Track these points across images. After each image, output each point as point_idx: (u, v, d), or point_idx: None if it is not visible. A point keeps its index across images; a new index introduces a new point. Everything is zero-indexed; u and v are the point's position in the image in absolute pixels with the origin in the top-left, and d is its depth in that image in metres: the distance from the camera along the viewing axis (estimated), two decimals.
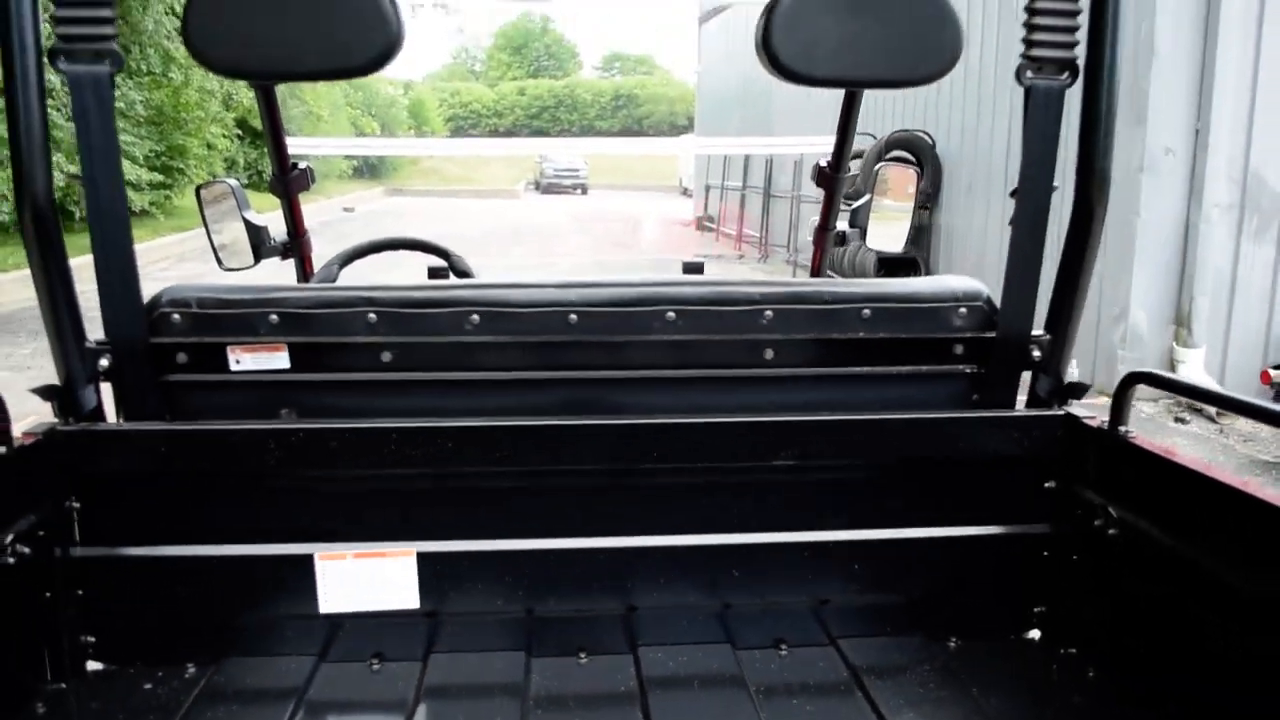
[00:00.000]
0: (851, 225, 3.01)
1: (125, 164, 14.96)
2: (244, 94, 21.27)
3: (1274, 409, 1.63)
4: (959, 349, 2.13)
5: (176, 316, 1.99)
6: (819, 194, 3.05)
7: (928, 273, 11.84)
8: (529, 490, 2.00)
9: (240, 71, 2.01)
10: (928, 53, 1.91)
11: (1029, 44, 1.96)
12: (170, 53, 18.73)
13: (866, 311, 2.08)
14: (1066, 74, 1.98)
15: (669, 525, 2.00)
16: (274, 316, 2.00)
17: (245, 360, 2.00)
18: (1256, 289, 8.33)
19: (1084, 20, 1.96)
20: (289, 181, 2.84)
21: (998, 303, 2.13)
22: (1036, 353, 2.13)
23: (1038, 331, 2.14)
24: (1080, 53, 1.97)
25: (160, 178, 18.96)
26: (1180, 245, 8.19)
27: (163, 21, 17.89)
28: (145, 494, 1.94)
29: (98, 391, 1.98)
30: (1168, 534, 1.77)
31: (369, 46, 1.76)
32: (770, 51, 1.84)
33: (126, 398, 2.01)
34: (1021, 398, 2.20)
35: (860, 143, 12.62)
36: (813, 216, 3.21)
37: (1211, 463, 6.10)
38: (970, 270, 11.03)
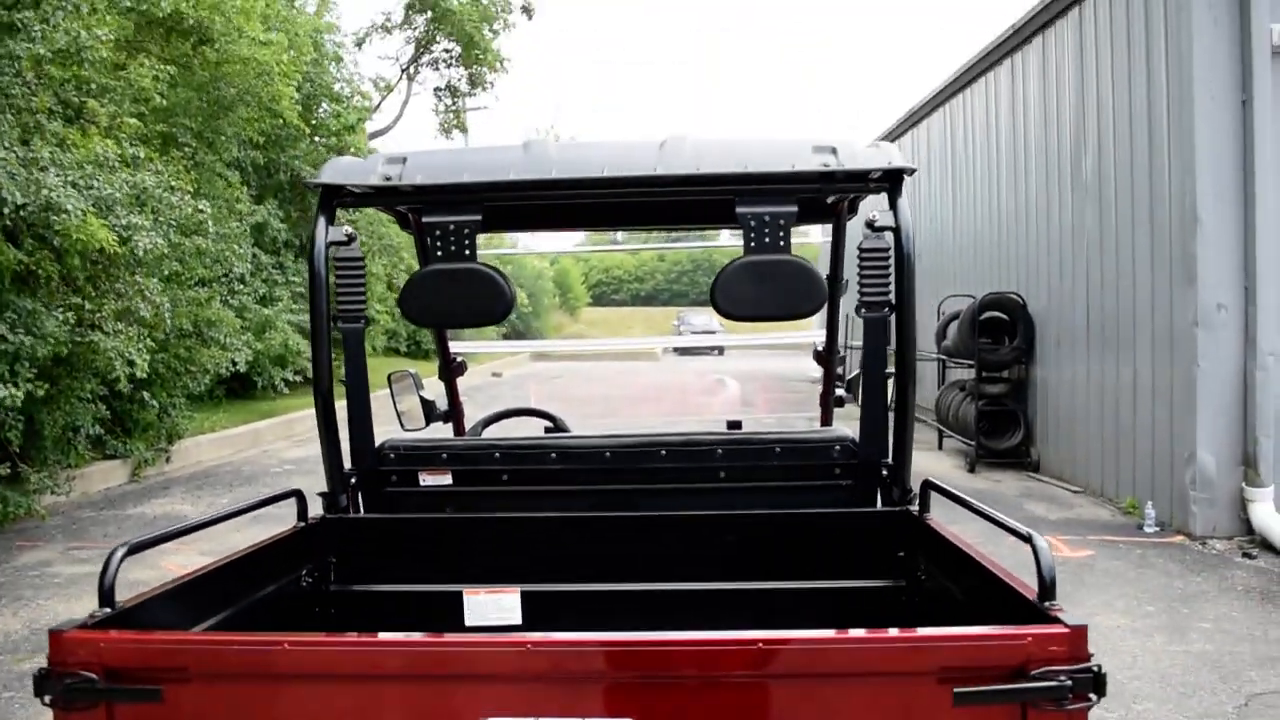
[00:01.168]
0: (847, 391, 4.19)
1: (302, 338, 17.04)
2: (401, 277, 24.02)
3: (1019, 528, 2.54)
4: (837, 470, 3.27)
5: (391, 454, 3.40)
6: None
7: (1027, 423, 12.49)
8: (582, 552, 3.20)
9: (427, 323, 3.47)
10: (804, 301, 3.07)
11: (862, 293, 3.08)
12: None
13: (779, 449, 3.28)
14: (885, 309, 3.08)
15: (659, 574, 3.13)
16: (444, 455, 3.44)
17: (427, 480, 3.39)
18: None
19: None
20: (450, 370, 4.44)
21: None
22: (884, 472, 3.20)
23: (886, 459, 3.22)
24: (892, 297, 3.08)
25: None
26: (1240, 392, 8.81)
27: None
28: (372, 555, 3.23)
29: (349, 498, 3.37)
30: (948, 578, 2.78)
31: (497, 307, 3.09)
32: (714, 300, 3.07)
33: (364, 501, 3.45)
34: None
35: (957, 303, 13.60)
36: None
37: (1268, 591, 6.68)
38: (1065, 412, 11.61)
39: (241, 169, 17.21)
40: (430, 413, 4.20)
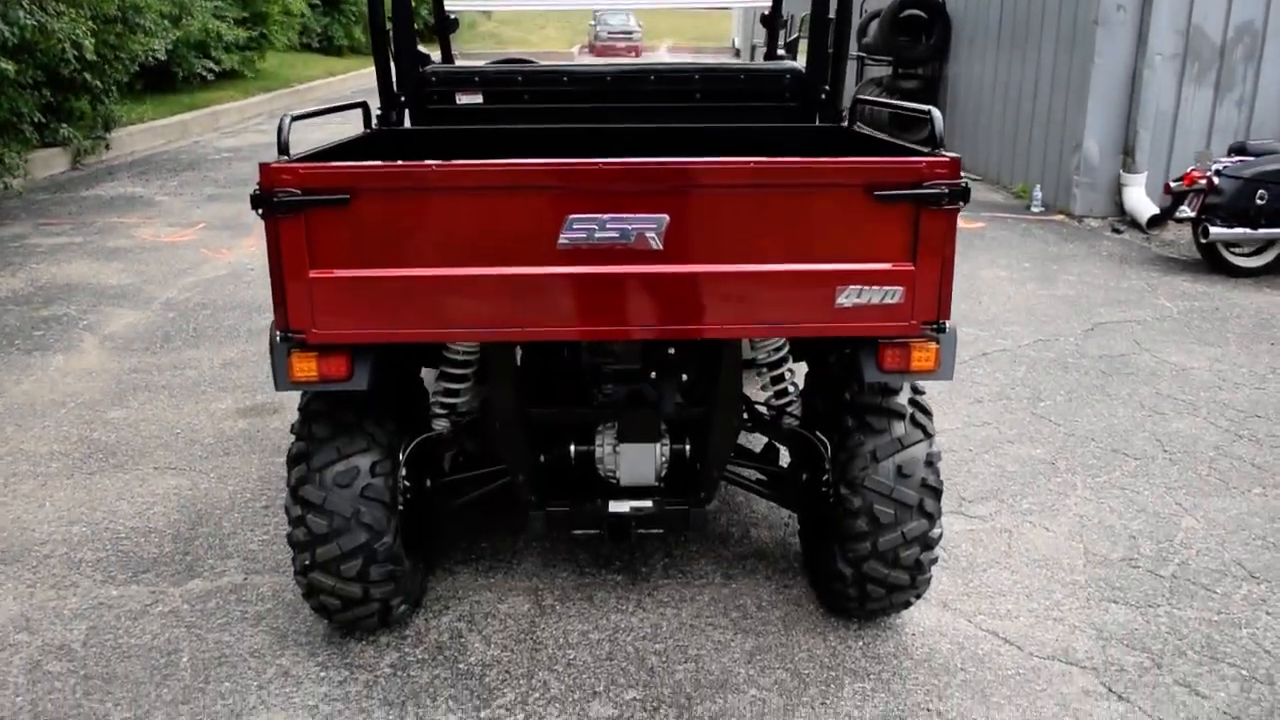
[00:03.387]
0: (787, 52, 5.00)
1: (220, 24, 16.73)
2: None
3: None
4: (787, 95, 4.15)
5: (433, 78, 4.13)
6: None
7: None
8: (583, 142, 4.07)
9: None
10: None
11: None
12: None
13: (742, 76, 4.12)
14: None
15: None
16: (476, 78, 4.11)
17: (463, 99, 4.11)
18: (1195, 126, 9.91)
19: None
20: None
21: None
22: (823, 96, 4.10)
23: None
24: None
25: (247, 35, 20.76)
26: (1128, 88, 9.76)
27: None
28: (417, 149, 4.02)
29: (400, 115, 4.17)
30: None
31: None
32: None
33: (412, 117, 4.28)
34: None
35: (878, 2, 14.03)
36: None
37: (1126, 256, 7.88)
38: (972, 107, 12.47)
39: None
40: None
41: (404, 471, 3.31)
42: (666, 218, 2.66)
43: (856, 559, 3.14)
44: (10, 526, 4.16)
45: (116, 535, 4.08)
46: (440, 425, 3.45)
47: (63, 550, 3.97)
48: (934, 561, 3.19)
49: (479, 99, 4.22)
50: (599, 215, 2.65)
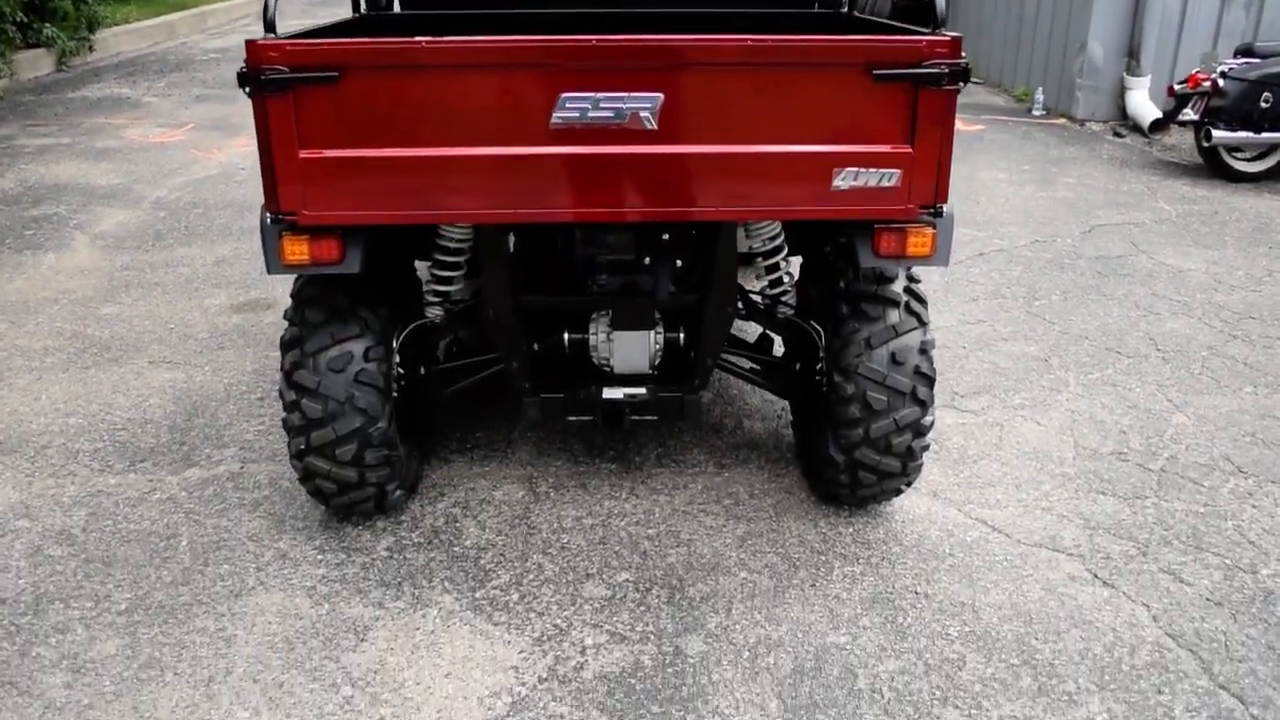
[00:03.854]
0: None
1: None
2: None
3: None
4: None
5: None
6: None
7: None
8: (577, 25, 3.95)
9: None
10: None
11: None
12: None
13: None
14: None
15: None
16: None
17: None
18: (1202, 28, 9.71)
19: None
20: None
21: None
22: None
23: None
24: None
25: None
26: None
27: None
28: (406, 32, 3.94)
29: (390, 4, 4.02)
30: None
31: None
32: None
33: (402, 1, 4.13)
34: None
35: None
36: None
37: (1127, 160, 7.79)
38: (974, 10, 12.21)
39: None
40: None
41: (397, 359, 3.31)
42: (661, 97, 2.61)
43: (849, 445, 3.16)
44: (7, 419, 4.17)
45: (113, 426, 4.10)
46: (434, 314, 3.44)
47: (60, 441, 3.99)
48: (925, 449, 3.22)
49: None
50: (592, 94, 2.60)
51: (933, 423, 3.19)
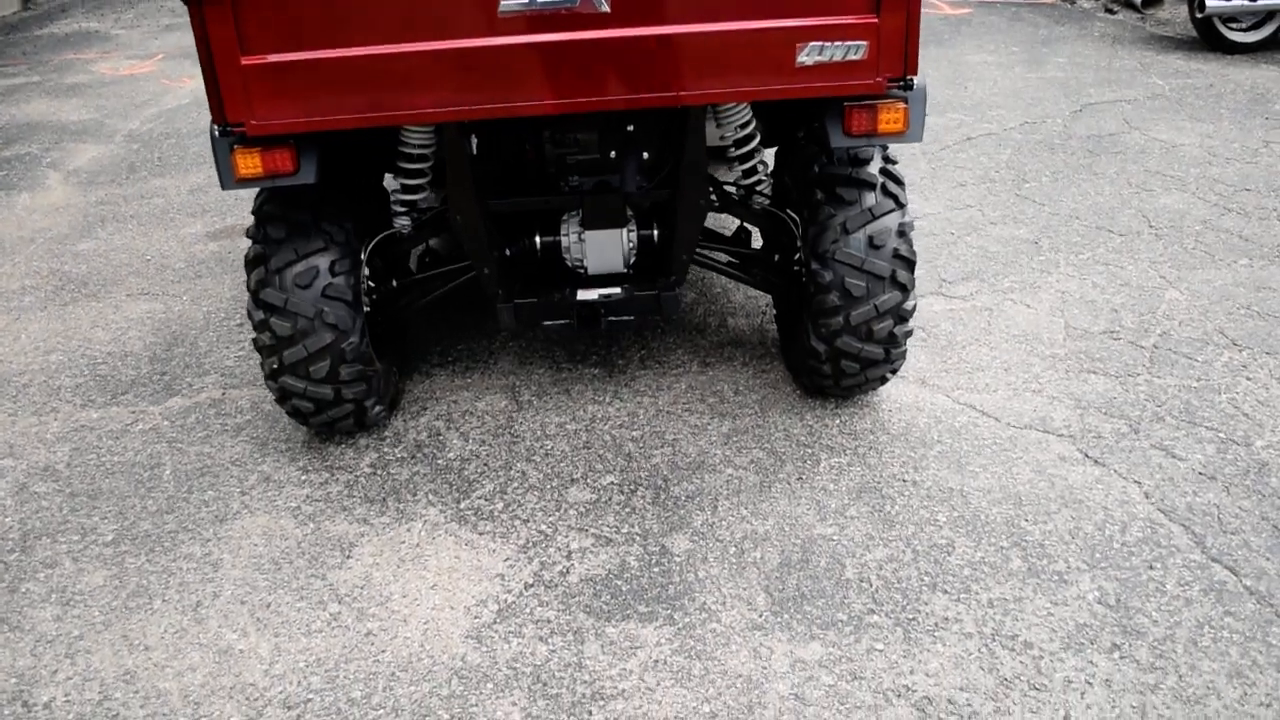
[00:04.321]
0: None
1: None
2: None
3: None
4: None
5: None
6: None
7: None
8: None
9: None
10: None
11: None
12: None
13: None
14: None
15: None
16: None
17: None
18: None
19: None
20: None
21: None
22: None
23: None
24: None
25: None
26: None
27: None
28: None
29: None
30: None
31: None
32: None
33: None
34: None
35: None
36: None
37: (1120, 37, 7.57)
38: None
39: None
40: None
41: (367, 272, 3.24)
42: None
43: (829, 334, 3.11)
44: None
45: (93, 360, 4.05)
46: (402, 224, 3.36)
47: (41, 379, 3.96)
48: (909, 334, 3.16)
49: None
50: None
51: (915, 307, 3.13)
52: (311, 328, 3.00)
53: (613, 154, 3.11)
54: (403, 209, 3.34)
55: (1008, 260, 4.41)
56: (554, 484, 3.12)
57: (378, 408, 3.31)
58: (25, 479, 3.34)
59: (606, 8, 2.51)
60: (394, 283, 3.47)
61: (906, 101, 2.73)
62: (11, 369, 4.04)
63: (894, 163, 3.13)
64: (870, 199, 3.02)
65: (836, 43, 2.58)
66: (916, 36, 2.59)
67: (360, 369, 3.12)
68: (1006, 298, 4.10)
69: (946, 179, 5.31)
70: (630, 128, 3.09)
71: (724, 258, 3.64)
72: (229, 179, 2.73)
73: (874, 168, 3.05)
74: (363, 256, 3.20)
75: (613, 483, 3.11)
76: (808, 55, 2.58)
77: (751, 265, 3.61)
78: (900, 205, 3.04)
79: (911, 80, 2.65)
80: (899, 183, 3.08)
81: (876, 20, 2.56)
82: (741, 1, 2.54)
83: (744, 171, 3.34)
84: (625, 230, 3.20)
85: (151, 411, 3.67)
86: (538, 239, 3.30)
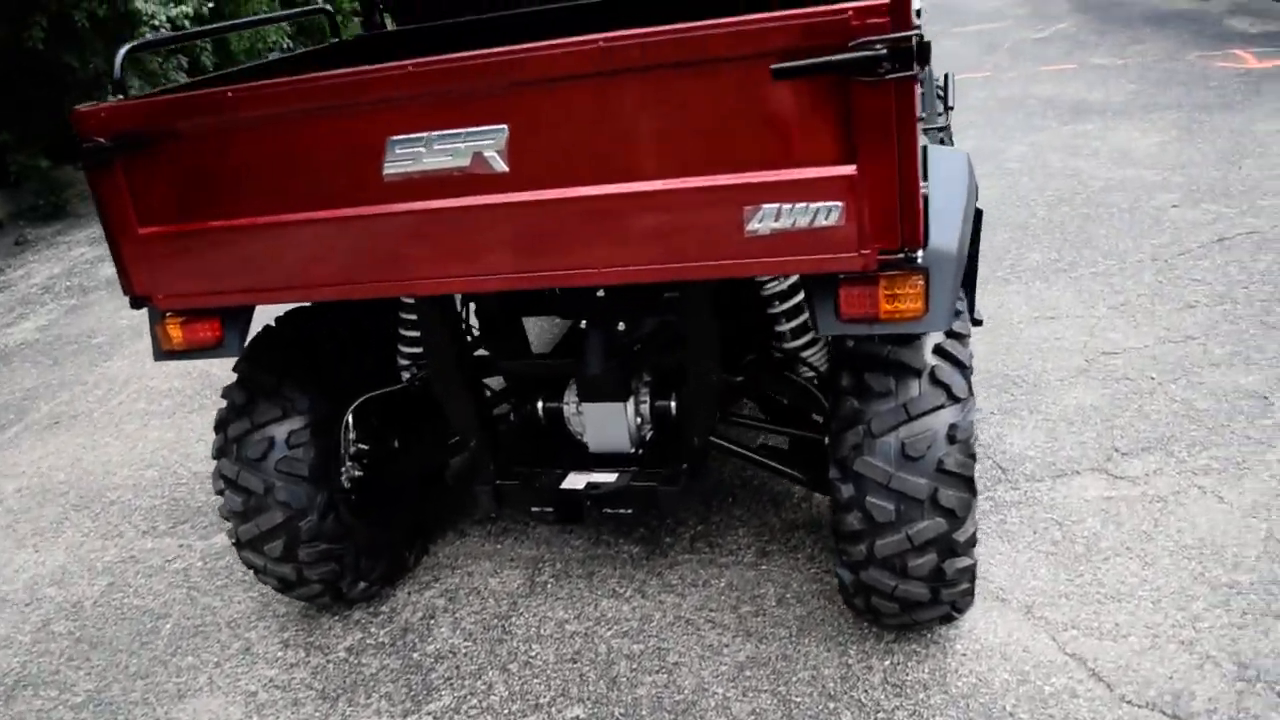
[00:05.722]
0: None
1: None
2: None
3: None
4: None
5: None
6: None
7: None
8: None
9: None
10: None
11: None
12: None
13: None
14: None
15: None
16: None
17: None
18: None
19: None
20: None
21: None
22: None
23: None
24: None
25: None
26: None
27: None
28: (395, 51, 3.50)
29: (382, 16, 3.66)
30: None
31: None
32: None
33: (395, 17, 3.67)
34: None
35: None
36: None
37: None
38: None
39: None
40: None
41: (353, 435, 2.89)
42: (506, 129, 1.99)
43: (852, 564, 2.36)
44: (99, 470, 4.23)
45: (178, 481, 4.03)
46: (406, 377, 3.00)
47: (128, 496, 3.98)
48: (968, 571, 2.34)
49: None
50: (423, 133, 2.03)
51: (973, 536, 2.31)
52: (264, 505, 2.70)
53: (583, 323, 2.57)
54: (405, 361, 2.97)
55: (1217, 423, 3.32)
56: (513, 708, 2.59)
57: (360, 584, 2.95)
58: (53, 614, 3.30)
59: (504, 167, 2.00)
60: (395, 443, 3.10)
61: (925, 274, 1.98)
62: (112, 481, 4.11)
63: (961, 335, 2.34)
64: (912, 389, 2.25)
65: (798, 204, 1.90)
66: (916, 189, 1.85)
67: (324, 549, 2.76)
68: (1195, 482, 3.06)
69: (1172, 297, 4.18)
70: (600, 293, 2.54)
71: (769, 439, 2.94)
72: (158, 350, 2.50)
73: (922, 348, 2.29)
74: (349, 417, 2.86)
75: (578, 717, 2.53)
76: (760, 221, 1.92)
77: (797, 453, 2.87)
78: (955, 399, 2.25)
79: (914, 254, 1.91)
80: (961, 366, 2.29)
81: (854, 172, 1.86)
82: (670, 154, 1.94)
83: (792, 330, 2.66)
84: (628, 404, 2.63)
85: (195, 548, 3.55)
86: (540, 405, 2.81)
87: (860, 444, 2.25)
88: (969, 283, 2.67)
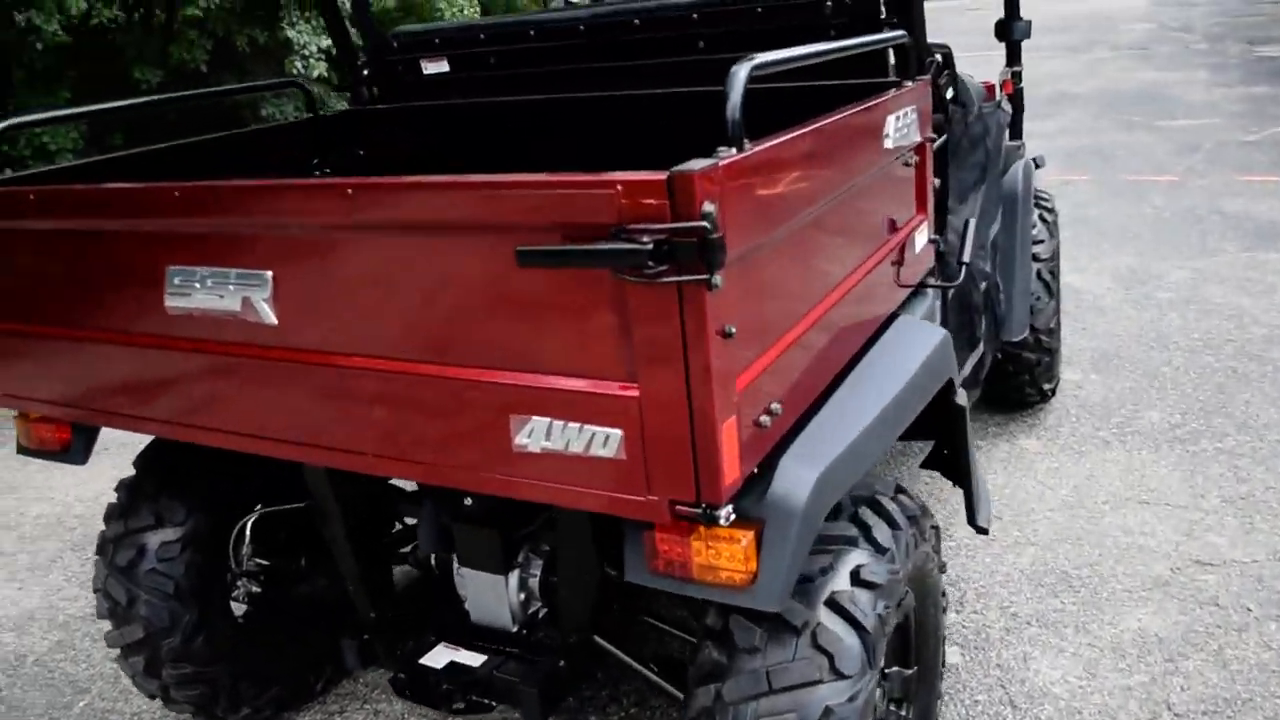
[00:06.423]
0: None
1: None
2: None
3: None
4: (832, 28, 2.66)
5: (395, 44, 3.35)
6: None
7: None
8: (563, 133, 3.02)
9: None
10: None
11: None
12: None
13: (759, 10, 2.76)
14: None
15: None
16: (436, 40, 3.30)
17: (429, 67, 3.26)
18: None
19: None
20: None
21: None
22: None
23: None
24: None
25: None
26: None
27: None
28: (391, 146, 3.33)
29: (370, 91, 3.42)
30: None
31: None
32: None
33: (381, 93, 3.44)
34: None
35: None
36: None
37: None
38: None
39: None
40: None
41: (249, 550, 2.63)
42: (270, 275, 1.70)
43: None
44: None
45: None
46: None
47: None
48: None
49: (446, 66, 3.25)
50: (195, 266, 1.79)
51: None
52: (128, 616, 2.48)
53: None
54: None
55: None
56: None
57: (243, 710, 2.68)
58: None
59: (273, 319, 1.71)
60: (302, 561, 2.82)
61: (758, 530, 1.52)
62: None
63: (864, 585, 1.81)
64: (783, 650, 1.72)
65: (569, 424, 1.48)
66: (713, 423, 1.38)
67: (188, 671, 2.51)
68: None
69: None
70: None
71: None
72: (20, 444, 2.35)
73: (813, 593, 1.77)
74: (243, 533, 2.61)
75: None
76: (529, 436, 1.52)
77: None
78: (840, 675, 1.71)
79: (715, 512, 1.44)
80: (858, 627, 1.76)
81: (636, 392, 1.42)
82: (434, 335, 1.60)
83: None
84: (508, 578, 2.25)
85: None
86: (432, 556, 2.47)
87: (711, 709, 1.77)
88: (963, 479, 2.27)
